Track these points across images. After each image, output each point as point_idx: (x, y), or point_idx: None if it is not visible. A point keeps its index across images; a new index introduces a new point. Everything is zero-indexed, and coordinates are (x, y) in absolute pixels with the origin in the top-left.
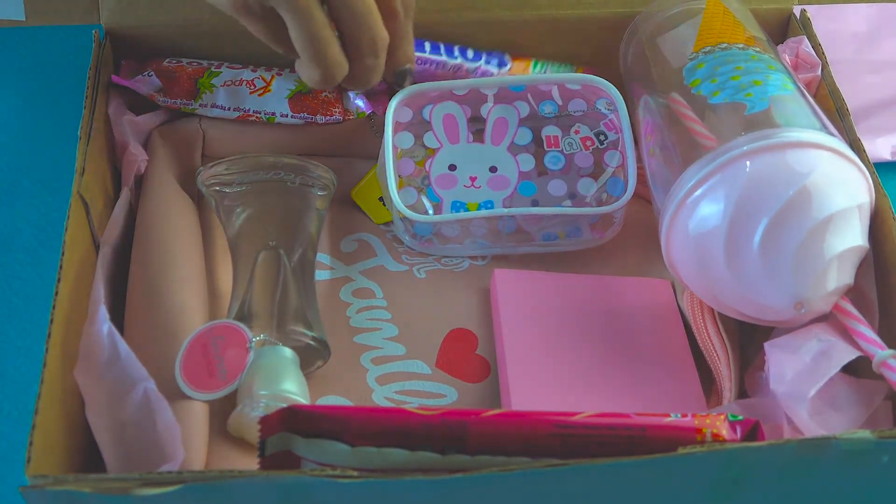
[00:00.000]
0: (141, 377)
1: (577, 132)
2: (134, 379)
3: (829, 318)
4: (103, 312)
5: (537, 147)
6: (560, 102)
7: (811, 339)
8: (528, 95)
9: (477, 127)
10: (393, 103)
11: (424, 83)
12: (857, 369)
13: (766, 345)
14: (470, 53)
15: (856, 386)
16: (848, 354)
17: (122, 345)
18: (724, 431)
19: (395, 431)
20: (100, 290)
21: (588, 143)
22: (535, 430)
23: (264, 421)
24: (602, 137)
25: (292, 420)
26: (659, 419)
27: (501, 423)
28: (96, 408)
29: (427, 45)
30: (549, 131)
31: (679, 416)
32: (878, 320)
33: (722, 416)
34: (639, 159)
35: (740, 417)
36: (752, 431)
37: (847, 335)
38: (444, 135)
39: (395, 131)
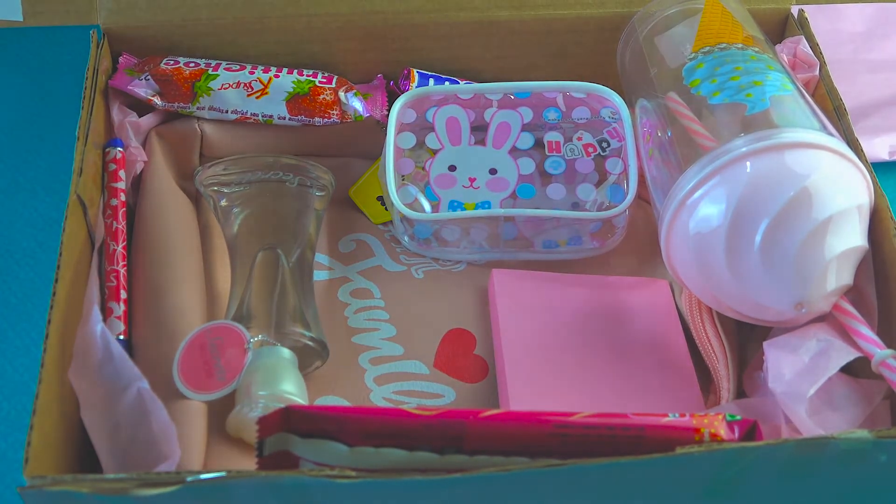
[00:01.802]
0: (134, 377)
1: (579, 139)
2: (127, 379)
3: (829, 318)
4: (97, 313)
5: (538, 151)
6: (564, 109)
7: (810, 338)
8: (533, 102)
9: (480, 131)
10: (397, 105)
11: (429, 86)
12: (856, 369)
13: (765, 344)
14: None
15: (854, 386)
16: (847, 355)
17: (115, 345)
18: (723, 431)
19: (393, 431)
20: (94, 291)
21: (590, 149)
22: (533, 430)
23: (263, 421)
24: (605, 145)
25: (291, 420)
26: (657, 419)
27: (500, 423)
28: (91, 408)
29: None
30: (552, 137)
31: (677, 415)
32: (877, 320)
33: (720, 416)
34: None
35: (738, 417)
36: (751, 431)
37: (846, 335)
38: (445, 136)
39: (397, 131)
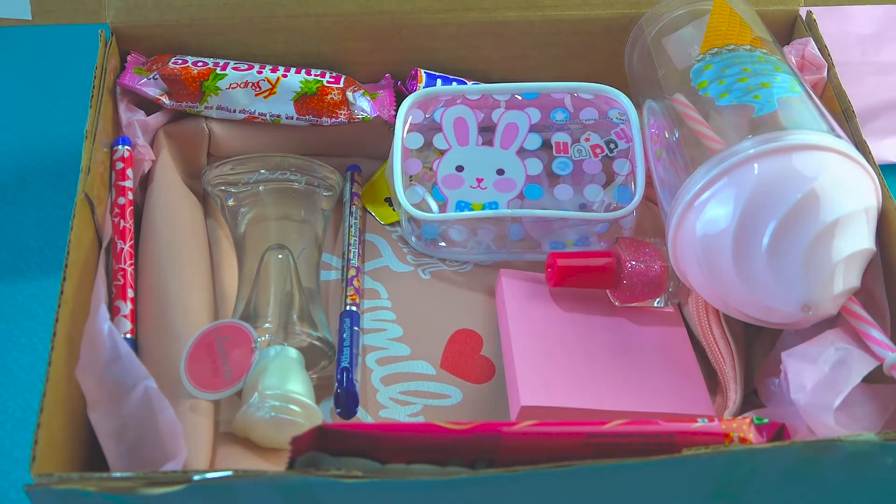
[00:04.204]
0: (141, 376)
1: (587, 140)
2: (134, 378)
3: (843, 324)
4: (104, 312)
5: (546, 152)
6: (572, 110)
7: (827, 347)
8: (541, 103)
9: (487, 132)
10: (405, 105)
11: (437, 87)
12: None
13: (783, 355)
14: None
15: (870, 393)
16: (867, 363)
17: (123, 344)
18: (751, 436)
19: (426, 447)
20: (101, 290)
21: (598, 150)
22: (565, 441)
23: (296, 441)
24: (612, 146)
25: (323, 440)
26: (687, 425)
27: (533, 434)
28: (98, 407)
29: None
30: (559, 138)
31: (706, 421)
32: (889, 322)
33: (748, 420)
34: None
35: (766, 421)
36: (778, 434)
37: (862, 342)
38: (453, 137)
39: (405, 132)
